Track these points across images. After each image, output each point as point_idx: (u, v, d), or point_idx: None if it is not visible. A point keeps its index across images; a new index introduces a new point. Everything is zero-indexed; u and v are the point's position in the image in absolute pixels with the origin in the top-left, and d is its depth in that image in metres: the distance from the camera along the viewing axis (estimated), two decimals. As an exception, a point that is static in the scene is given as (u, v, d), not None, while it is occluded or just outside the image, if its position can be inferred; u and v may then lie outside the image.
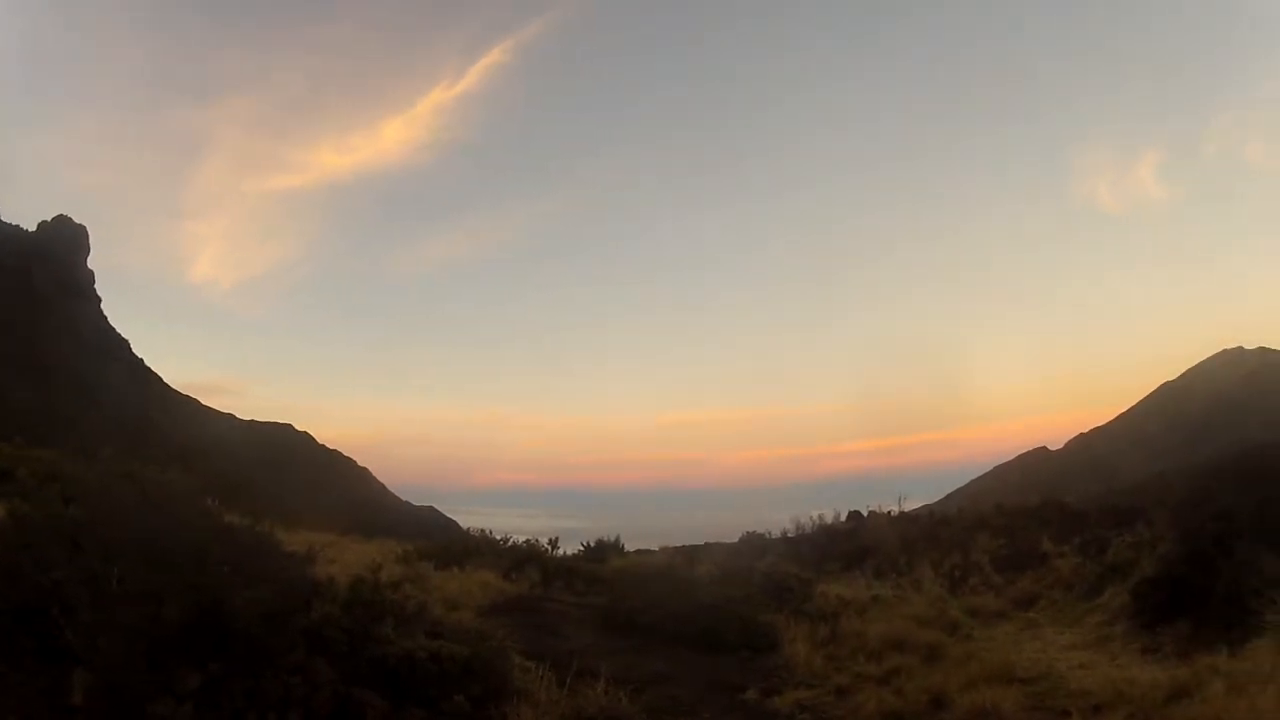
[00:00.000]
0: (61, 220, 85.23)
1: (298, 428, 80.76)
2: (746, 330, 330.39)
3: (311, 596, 6.98)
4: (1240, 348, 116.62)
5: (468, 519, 47.09)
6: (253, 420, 78.55)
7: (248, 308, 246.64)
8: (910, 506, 32.66)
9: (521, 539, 19.61)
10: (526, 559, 17.35)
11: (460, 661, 7.28)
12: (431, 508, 65.18)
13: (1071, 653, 12.92)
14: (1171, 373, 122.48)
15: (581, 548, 22.59)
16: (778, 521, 32.26)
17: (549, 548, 19.64)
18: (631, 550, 24.89)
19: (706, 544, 31.90)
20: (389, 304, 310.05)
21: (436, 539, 21.03)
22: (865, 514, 32.01)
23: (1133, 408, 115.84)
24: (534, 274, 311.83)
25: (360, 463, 79.30)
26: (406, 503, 67.79)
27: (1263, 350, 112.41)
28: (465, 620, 10.27)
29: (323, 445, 78.37)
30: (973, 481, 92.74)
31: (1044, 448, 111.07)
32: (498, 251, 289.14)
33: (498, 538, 19.49)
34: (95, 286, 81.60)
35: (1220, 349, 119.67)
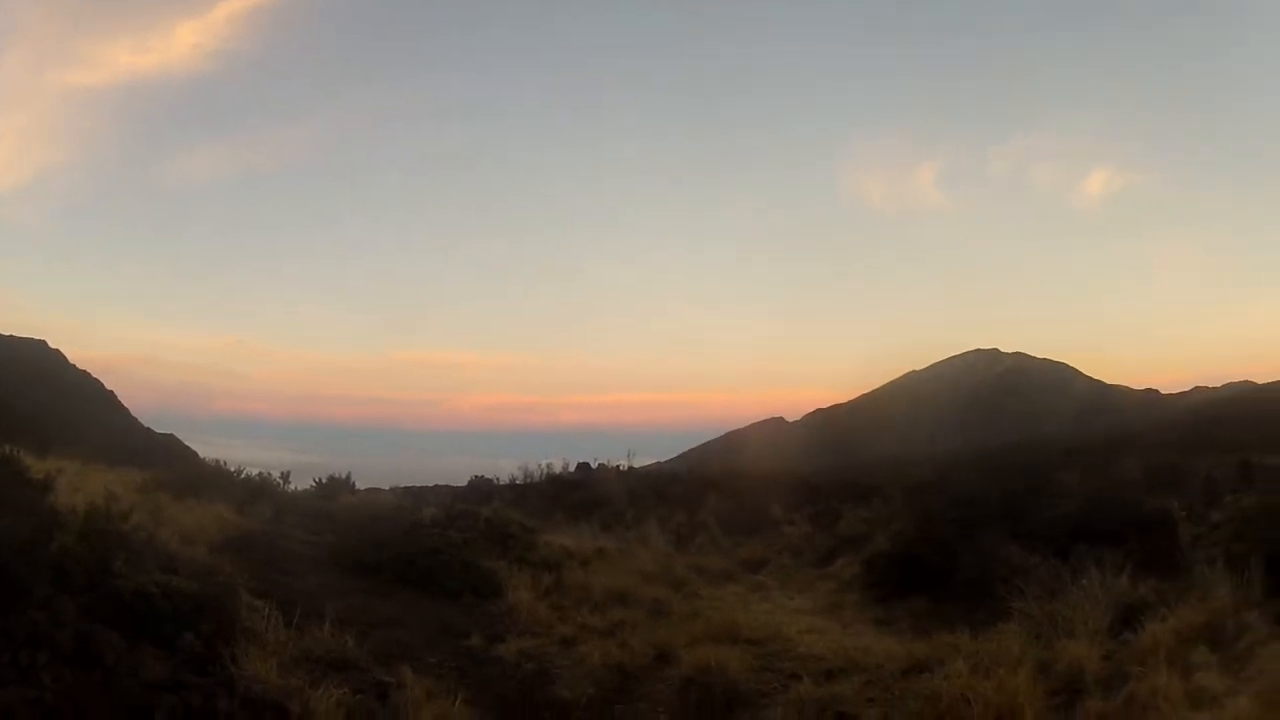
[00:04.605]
0: None
1: (51, 345, 74.76)
2: (487, 275, 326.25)
3: (52, 528, 6.98)
4: (996, 349, 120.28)
5: (207, 449, 44.84)
6: (9, 336, 71.78)
7: (17, 214, 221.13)
8: (641, 463, 33.86)
9: (255, 472, 19.43)
10: (259, 493, 17.22)
11: (190, 598, 7.23)
12: (172, 435, 61.33)
13: (801, 617, 13.13)
14: (920, 364, 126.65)
15: (314, 483, 22.54)
16: (507, 468, 32.84)
17: (281, 482, 19.54)
18: (363, 489, 24.98)
19: (435, 486, 32.30)
20: (158, 219, 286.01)
21: (176, 468, 20.34)
22: (594, 466, 32.93)
23: (875, 390, 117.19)
24: (294, 198, 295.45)
25: (108, 385, 74.17)
26: (149, 429, 63.68)
27: (1019, 355, 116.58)
28: (199, 555, 10.15)
29: (74, 365, 72.68)
30: (705, 444, 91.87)
31: (780, 418, 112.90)
32: (267, 173, 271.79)
33: (232, 469, 19.22)
34: None
35: (975, 349, 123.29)
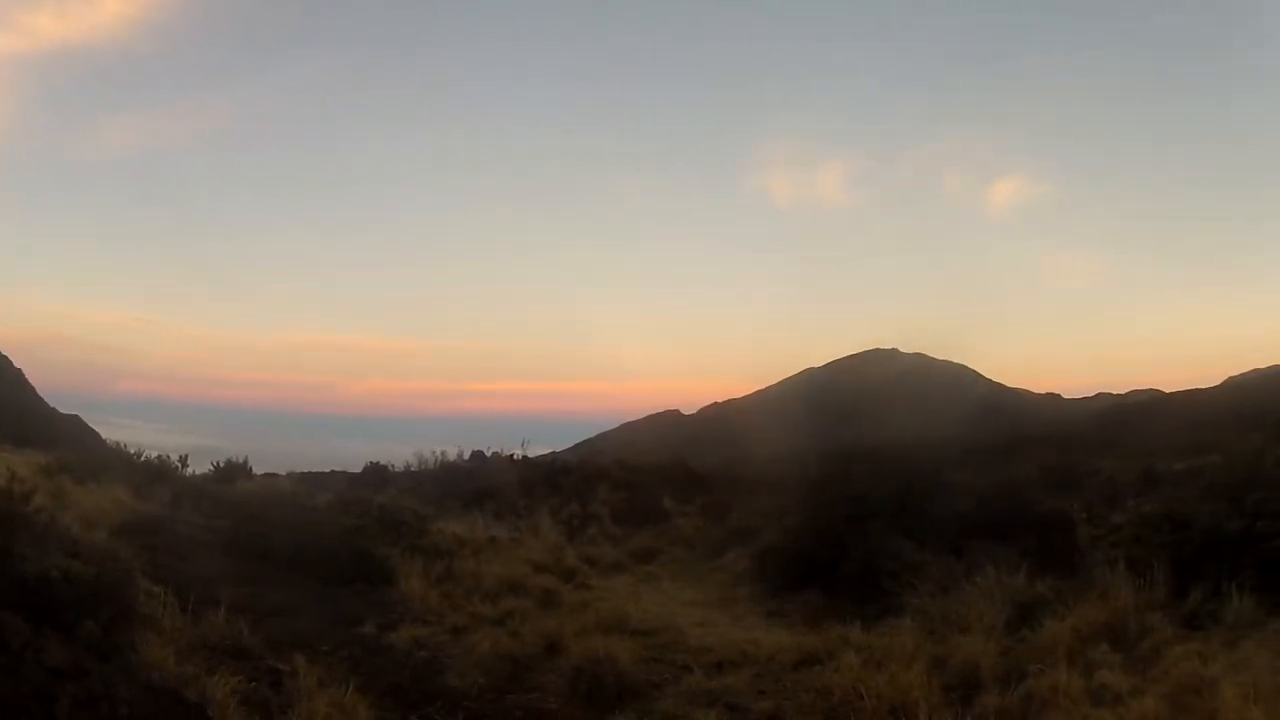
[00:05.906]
0: None
1: (-36, 322, 71.58)
2: (389, 259, 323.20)
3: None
4: (896, 349, 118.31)
5: (109, 430, 43.69)
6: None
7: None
8: (535, 452, 33.57)
9: (154, 455, 19.32)
10: (158, 476, 17.16)
11: (90, 584, 7.23)
12: (77, 416, 59.36)
13: (692, 609, 13.28)
14: (819, 361, 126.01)
15: (211, 468, 22.36)
16: (402, 455, 32.62)
17: (179, 466, 19.48)
18: (260, 473, 24.98)
19: (331, 472, 32.10)
20: (76, 191, 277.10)
21: (80, 450, 20.08)
22: (488, 455, 32.47)
23: (772, 386, 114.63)
24: (201, 174, 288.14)
25: (16, 364, 71.58)
26: (54, 410, 61.60)
27: (919, 356, 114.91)
28: (99, 539, 10.07)
29: (-14, 344, 69.57)
30: (600, 435, 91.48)
31: (677, 411, 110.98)
32: (176, 148, 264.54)
33: (132, 452, 19.08)
34: None
35: (875, 347, 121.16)
